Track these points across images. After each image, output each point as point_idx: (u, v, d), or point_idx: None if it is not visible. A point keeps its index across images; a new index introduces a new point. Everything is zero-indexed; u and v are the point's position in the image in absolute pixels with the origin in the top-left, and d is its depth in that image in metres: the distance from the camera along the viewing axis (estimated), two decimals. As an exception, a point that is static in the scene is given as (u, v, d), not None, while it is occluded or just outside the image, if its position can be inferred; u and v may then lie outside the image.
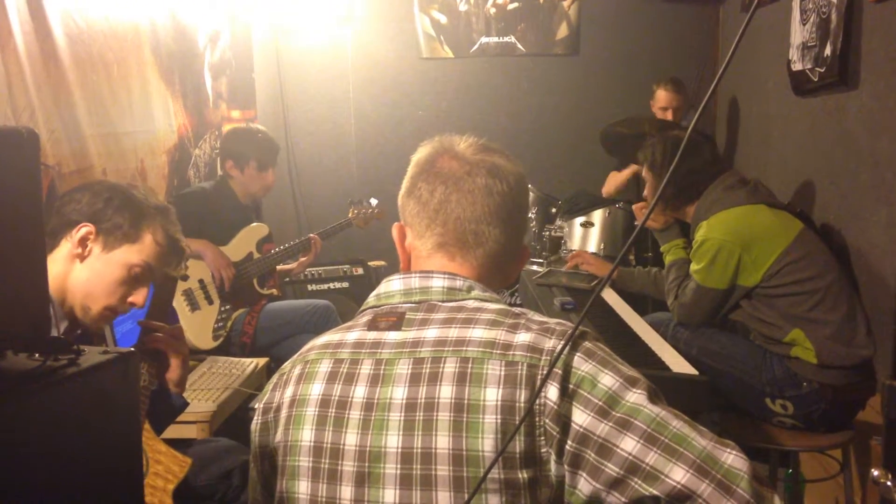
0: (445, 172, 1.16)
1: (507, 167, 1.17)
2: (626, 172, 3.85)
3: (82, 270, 1.66)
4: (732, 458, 0.91)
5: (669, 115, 3.90)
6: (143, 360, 1.76)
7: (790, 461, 2.57)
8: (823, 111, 2.79)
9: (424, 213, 1.16)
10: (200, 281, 3.07)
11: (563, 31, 4.55)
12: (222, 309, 3.09)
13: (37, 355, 0.84)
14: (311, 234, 3.44)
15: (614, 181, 3.93)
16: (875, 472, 1.25)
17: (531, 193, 3.45)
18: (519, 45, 4.57)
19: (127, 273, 1.69)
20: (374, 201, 3.70)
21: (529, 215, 3.43)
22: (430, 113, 4.63)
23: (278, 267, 3.41)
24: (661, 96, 3.93)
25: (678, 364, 2.15)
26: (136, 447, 1.02)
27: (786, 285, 2.32)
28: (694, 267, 2.46)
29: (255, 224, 3.34)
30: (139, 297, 1.73)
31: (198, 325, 3.00)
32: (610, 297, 2.89)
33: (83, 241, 1.66)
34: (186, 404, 1.92)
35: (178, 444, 1.78)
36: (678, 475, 0.90)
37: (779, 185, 3.09)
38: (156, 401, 1.77)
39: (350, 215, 3.64)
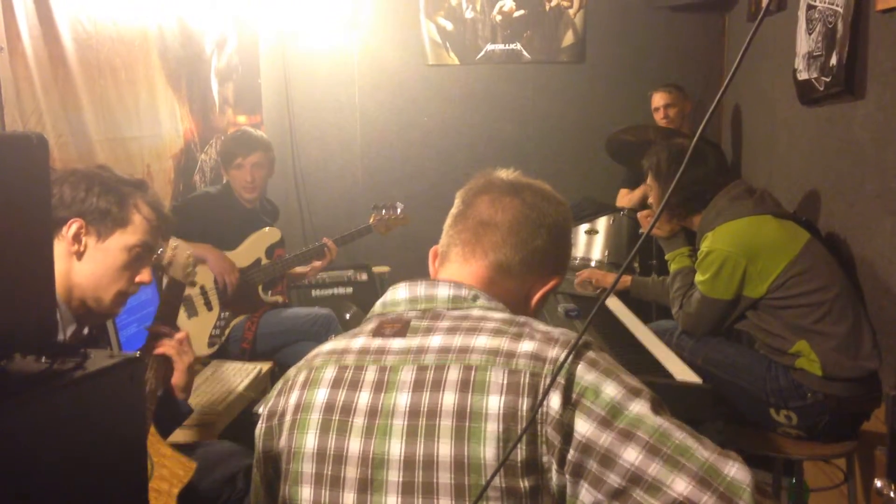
0: (483, 188, 1.22)
1: (544, 199, 1.21)
2: (638, 192, 3.84)
3: (84, 265, 1.67)
4: (735, 471, 0.91)
5: (661, 115, 3.90)
6: (150, 365, 1.77)
7: (794, 470, 2.57)
8: (829, 120, 2.79)
9: (452, 219, 1.22)
10: (202, 287, 3.07)
11: (568, 38, 4.56)
12: (221, 315, 3.08)
13: (44, 359, 0.84)
14: (325, 239, 3.38)
15: (627, 200, 3.92)
16: (878, 483, 1.25)
17: None
18: (525, 53, 4.58)
19: (128, 256, 1.71)
20: (399, 206, 3.55)
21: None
22: (436, 119, 4.64)
23: (290, 271, 3.37)
24: (655, 97, 3.94)
25: (682, 372, 2.15)
26: (142, 450, 1.02)
27: (791, 297, 2.32)
28: (699, 277, 2.45)
29: (266, 229, 3.29)
30: (146, 274, 1.76)
31: (194, 331, 2.99)
32: (614, 305, 2.88)
33: (77, 238, 1.65)
34: (191, 410, 1.93)
35: (183, 448, 1.78)
36: (680, 487, 0.90)
37: (784, 195, 3.09)
38: (161, 405, 1.78)
39: (371, 221, 3.53)
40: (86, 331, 1.75)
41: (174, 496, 1.64)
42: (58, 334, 0.89)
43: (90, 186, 1.68)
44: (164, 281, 2.01)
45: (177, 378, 1.84)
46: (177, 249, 1.99)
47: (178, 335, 1.85)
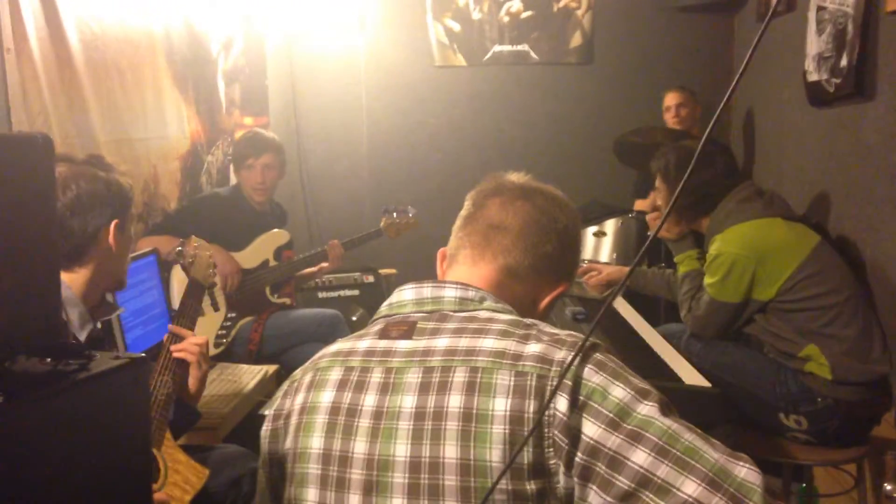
0: (494, 190, 1.21)
1: (555, 204, 1.21)
2: (649, 202, 3.81)
3: (115, 257, 1.71)
4: (745, 472, 0.90)
5: (672, 115, 3.88)
6: (168, 368, 1.78)
7: (804, 475, 2.55)
8: (839, 122, 2.78)
9: (461, 220, 1.22)
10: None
11: (576, 39, 4.55)
12: (228, 316, 3.07)
13: (48, 360, 0.84)
14: (333, 241, 3.37)
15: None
16: (888, 487, 1.24)
17: None
18: (532, 54, 4.57)
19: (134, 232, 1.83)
20: (411, 209, 3.53)
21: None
22: (443, 120, 4.64)
23: (298, 273, 3.36)
24: (667, 97, 3.93)
25: (691, 376, 2.14)
26: (146, 451, 1.02)
27: (801, 300, 2.30)
28: (708, 280, 2.44)
29: (274, 231, 3.29)
30: None
31: (200, 330, 2.98)
32: (622, 307, 2.87)
33: (115, 237, 1.69)
34: (199, 416, 1.94)
35: (188, 451, 1.78)
36: (690, 488, 0.89)
37: (794, 197, 3.07)
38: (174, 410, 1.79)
39: (382, 224, 3.52)
40: (98, 325, 1.76)
41: (186, 502, 1.64)
42: (62, 335, 0.89)
43: (105, 185, 1.70)
44: (185, 281, 2.02)
45: (192, 384, 1.85)
46: (198, 249, 2.00)
47: (198, 340, 1.85)
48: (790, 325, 2.32)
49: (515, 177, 1.24)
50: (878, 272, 2.44)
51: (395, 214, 3.53)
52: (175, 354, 1.82)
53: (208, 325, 3.04)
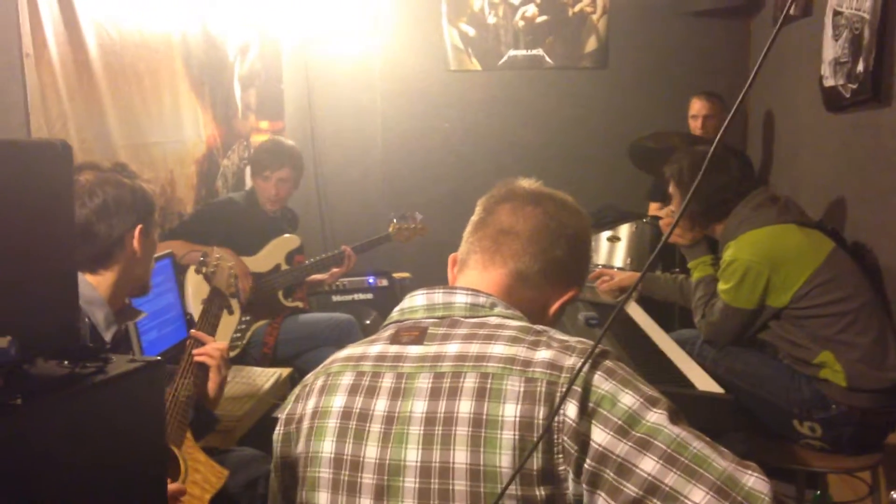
0: (504, 196, 1.22)
1: (565, 210, 1.21)
2: (666, 211, 3.80)
3: (140, 262, 1.74)
4: (753, 480, 0.90)
5: (699, 124, 3.86)
6: (190, 371, 1.81)
7: (818, 482, 2.53)
8: (856, 127, 2.76)
9: (472, 226, 1.22)
10: None
11: (591, 44, 4.55)
12: (242, 320, 3.09)
13: (66, 363, 0.85)
14: (344, 247, 3.40)
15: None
16: (894, 495, 1.23)
17: None
18: (547, 58, 4.57)
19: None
20: (418, 216, 3.58)
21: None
22: (458, 125, 4.64)
23: (309, 278, 3.38)
24: (695, 104, 3.90)
25: (704, 382, 2.13)
26: (162, 454, 1.03)
27: (815, 307, 2.29)
28: (722, 286, 2.43)
29: (286, 235, 3.32)
30: None
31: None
32: (636, 313, 2.86)
33: (139, 242, 1.72)
34: (218, 421, 1.96)
35: (206, 454, 1.80)
36: (698, 497, 0.89)
37: (810, 203, 3.05)
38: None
39: (390, 230, 3.55)
40: (123, 327, 1.79)
41: (206, 501, 1.66)
42: (80, 339, 0.90)
43: (130, 192, 1.73)
44: (199, 284, 2.06)
45: (211, 388, 1.88)
46: (220, 260, 2.04)
47: (219, 345, 1.89)
48: (804, 332, 2.31)
49: (526, 183, 1.25)
50: (894, 278, 2.42)
51: (403, 220, 3.56)
52: (197, 358, 1.85)
53: (222, 329, 3.05)
